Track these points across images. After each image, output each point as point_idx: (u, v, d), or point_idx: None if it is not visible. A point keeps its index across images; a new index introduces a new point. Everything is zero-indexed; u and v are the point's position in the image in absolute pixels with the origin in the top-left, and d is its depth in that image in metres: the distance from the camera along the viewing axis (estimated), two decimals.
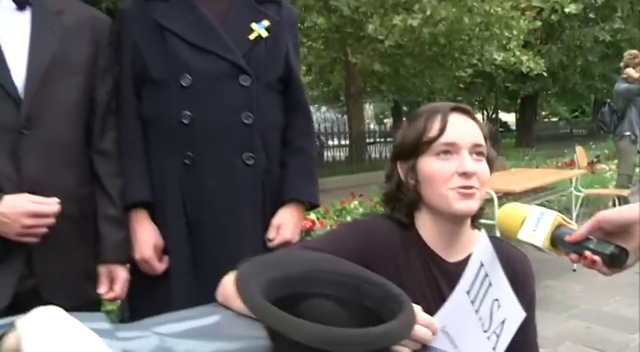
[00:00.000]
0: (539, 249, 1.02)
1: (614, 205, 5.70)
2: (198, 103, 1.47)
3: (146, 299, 1.53)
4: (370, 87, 13.67)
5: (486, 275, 1.06)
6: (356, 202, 5.99)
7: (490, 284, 1.07)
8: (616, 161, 6.31)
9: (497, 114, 17.36)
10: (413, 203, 1.19)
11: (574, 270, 4.48)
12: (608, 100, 5.68)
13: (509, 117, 24.81)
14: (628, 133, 5.52)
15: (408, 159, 1.18)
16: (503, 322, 1.09)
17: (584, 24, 13.98)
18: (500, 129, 17.45)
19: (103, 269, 1.49)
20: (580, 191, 5.43)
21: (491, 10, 7.79)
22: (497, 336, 1.07)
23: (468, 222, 1.20)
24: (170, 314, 0.98)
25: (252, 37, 1.52)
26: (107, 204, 1.49)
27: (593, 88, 16.08)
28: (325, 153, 11.28)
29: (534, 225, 1.02)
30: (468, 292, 1.03)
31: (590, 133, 17.85)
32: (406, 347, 0.84)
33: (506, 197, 3.72)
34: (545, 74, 10.52)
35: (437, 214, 1.16)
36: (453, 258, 1.18)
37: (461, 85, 12.19)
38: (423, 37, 8.29)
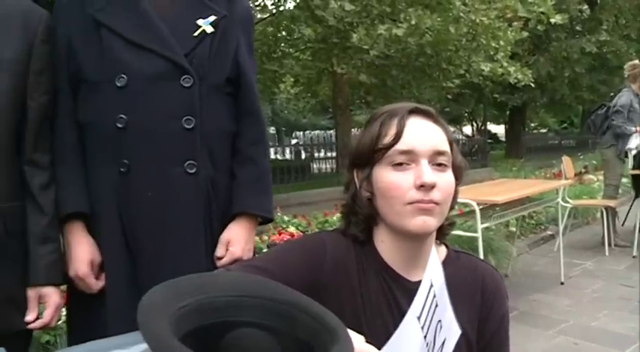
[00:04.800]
0: None
1: (602, 217, 5.59)
2: (133, 106, 1.33)
3: (84, 319, 1.39)
4: (358, 98, 13.59)
5: (434, 296, 0.93)
6: (338, 214, 5.82)
7: (437, 305, 0.95)
8: (603, 172, 6.17)
9: (486, 125, 17.30)
10: (369, 217, 1.05)
11: (562, 283, 4.37)
12: (608, 104, 5.50)
13: (499, 129, 24.83)
14: (615, 143, 5.40)
15: (364, 168, 1.04)
16: (443, 343, 0.97)
17: (570, 36, 14.03)
18: (490, 140, 17.42)
19: (32, 293, 1.32)
20: (567, 202, 5.32)
21: (477, 20, 7.72)
22: None
23: (432, 238, 1.06)
24: (93, 344, 0.84)
25: (196, 33, 1.38)
26: (39, 219, 1.33)
27: (581, 99, 16.08)
28: (312, 166, 11.17)
29: None
30: (418, 317, 0.90)
31: (578, 144, 17.85)
32: None
33: (490, 208, 3.58)
34: (533, 85, 10.46)
35: (394, 231, 1.02)
36: (416, 276, 1.04)
37: (449, 96, 12.10)
38: (409, 47, 8.22)
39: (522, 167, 11.37)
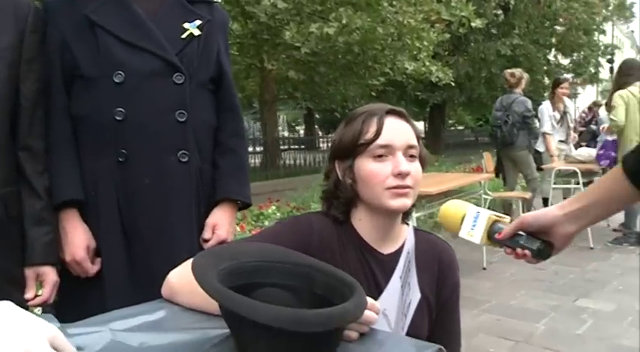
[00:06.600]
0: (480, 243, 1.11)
1: (519, 208, 6.10)
2: (131, 100, 1.45)
3: (77, 300, 1.48)
4: (284, 94, 13.75)
5: (409, 261, 1.17)
6: (273, 207, 6.00)
7: (409, 270, 1.18)
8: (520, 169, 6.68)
9: None
10: (350, 200, 1.23)
11: (484, 268, 4.75)
12: (509, 117, 6.08)
13: (419, 125, 25.74)
14: (527, 144, 6.12)
15: (346, 159, 1.22)
16: (409, 303, 1.20)
17: (487, 38, 14.85)
18: None
19: (30, 273, 1.41)
20: (488, 194, 5.74)
21: (405, 22, 8.08)
22: (405, 316, 1.19)
23: (400, 217, 1.26)
24: (118, 311, 0.96)
25: (184, 35, 1.52)
26: (34, 203, 1.41)
27: (496, 99, 16.96)
28: None
29: (472, 224, 1.10)
30: (400, 277, 1.12)
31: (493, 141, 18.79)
32: (353, 331, 0.88)
33: (423, 198, 3.88)
34: (452, 84, 11.02)
35: (373, 210, 1.21)
36: (387, 249, 1.24)
37: (373, 94, 12.51)
38: (337, 45, 8.47)
39: (443, 162, 11.94)
